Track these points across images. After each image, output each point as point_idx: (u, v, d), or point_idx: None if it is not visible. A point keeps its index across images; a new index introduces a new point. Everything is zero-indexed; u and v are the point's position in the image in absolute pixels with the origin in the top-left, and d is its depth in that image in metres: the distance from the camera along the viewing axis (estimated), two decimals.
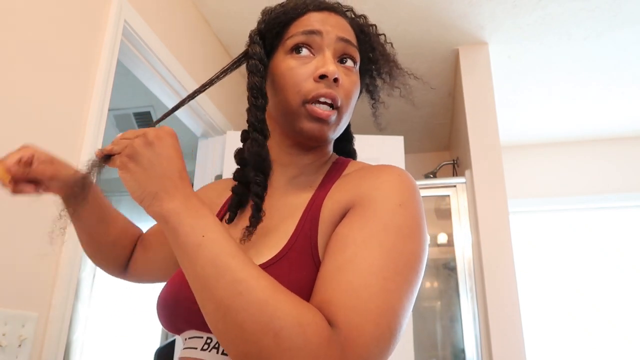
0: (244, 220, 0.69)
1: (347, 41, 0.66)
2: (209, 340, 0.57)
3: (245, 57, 0.70)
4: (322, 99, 0.63)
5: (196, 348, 0.58)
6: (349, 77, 0.66)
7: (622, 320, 2.94)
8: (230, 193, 0.75)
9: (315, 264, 0.56)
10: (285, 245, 0.58)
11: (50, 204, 1.23)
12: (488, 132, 2.20)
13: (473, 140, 2.20)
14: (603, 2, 2.03)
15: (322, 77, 0.63)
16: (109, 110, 1.80)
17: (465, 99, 2.29)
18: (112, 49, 1.47)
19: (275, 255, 0.57)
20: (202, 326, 0.57)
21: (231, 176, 0.77)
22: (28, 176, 0.70)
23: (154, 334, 3.03)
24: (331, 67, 0.62)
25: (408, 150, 2.35)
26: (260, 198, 0.63)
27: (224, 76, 0.69)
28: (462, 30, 2.25)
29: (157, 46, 1.75)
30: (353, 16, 0.73)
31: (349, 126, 0.80)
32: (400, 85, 0.76)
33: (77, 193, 0.64)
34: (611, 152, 3.25)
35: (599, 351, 2.92)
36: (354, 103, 0.69)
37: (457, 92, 2.54)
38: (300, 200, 0.65)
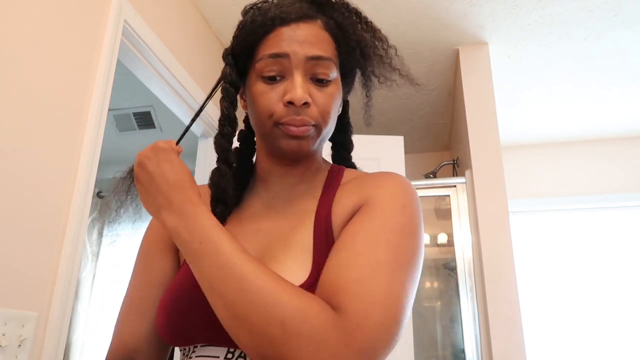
0: (231, 220, 0.70)
1: (317, 58, 0.64)
2: (231, 350, 0.57)
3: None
4: (292, 126, 0.62)
5: (218, 357, 0.57)
6: (323, 92, 0.64)
7: (622, 321, 2.94)
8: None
9: None
10: (313, 264, 0.59)
11: (50, 204, 1.23)
12: (488, 132, 2.20)
13: (473, 140, 2.20)
14: (603, 2, 2.03)
15: (290, 103, 0.62)
16: (109, 110, 1.80)
17: (465, 99, 2.29)
18: (112, 49, 1.47)
19: (310, 275, 0.58)
20: (220, 341, 0.57)
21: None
22: None
23: None
24: (298, 94, 0.61)
25: (408, 150, 2.35)
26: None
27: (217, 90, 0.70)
28: (462, 30, 2.25)
29: (157, 46, 1.75)
30: (331, 10, 0.69)
31: (345, 115, 0.78)
32: (387, 81, 0.74)
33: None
34: (611, 152, 3.25)
35: (598, 351, 2.92)
36: (334, 115, 0.67)
37: (457, 92, 2.54)
38: (306, 208, 0.67)
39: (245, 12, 0.72)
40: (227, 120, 0.66)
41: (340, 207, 0.63)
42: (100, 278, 3.29)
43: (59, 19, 1.29)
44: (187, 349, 0.61)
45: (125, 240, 3.27)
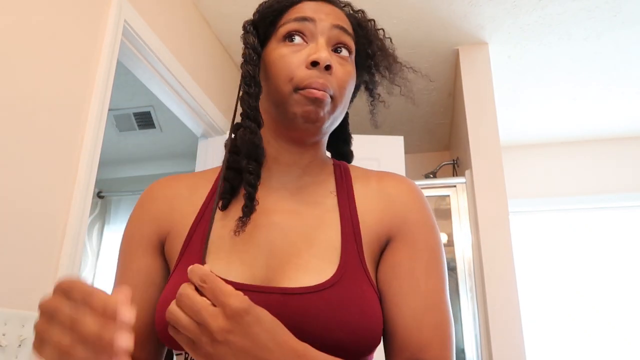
0: (235, 210, 0.64)
1: (342, 28, 0.64)
2: None
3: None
4: (313, 88, 0.60)
5: None
6: (344, 66, 0.64)
7: (622, 321, 2.94)
8: (204, 187, 0.69)
9: (368, 280, 0.59)
10: (341, 261, 0.58)
11: (50, 204, 1.23)
12: (488, 132, 2.20)
13: (473, 140, 2.20)
14: (603, 2, 2.03)
15: (314, 64, 0.60)
16: (109, 110, 1.80)
17: (465, 99, 2.29)
18: (112, 49, 1.47)
19: (337, 272, 0.57)
20: None
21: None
22: None
23: None
24: (323, 54, 0.60)
25: (408, 150, 2.35)
26: (253, 187, 0.60)
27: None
28: (462, 30, 2.25)
29: (157, 46, 1.75)
30: (351, 11, 0.71)
31: (346, 126, 0.78)
32: (400, 81, 0.74)
33: None
34: (611, 152, 3.25)
35: (598, 351, 2.92)
36: (348, 95, 0.66)
37: (457, 92, 2.54)
38: (324, 202, 0.65)
39: (261, 2, 0.71)
40: (252, 81, 0.63)
41: (366, 211, 0.64)
42: (100, 277, 3.29)
43: (59, 19, 1.29)
44: (187, 355, 0.58)
45: None
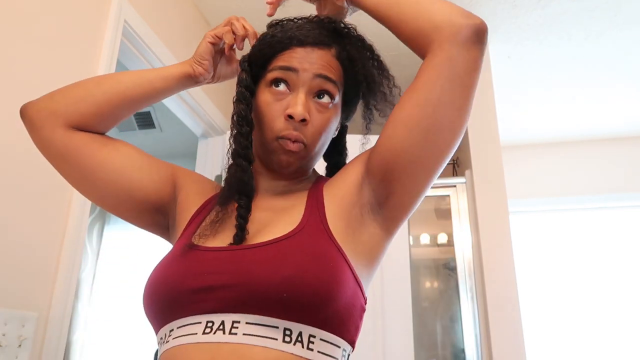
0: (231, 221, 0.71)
1: (324, 77, 0.70)
2: (210, 324, 0.58)
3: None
4: (288, 139, 0.68)
5: (196, 333, 0.59)
6: (322, 113, 0.70)
7: (622, 321, 2.94)
8: (212, 191, 0.79)
9: (329, 236, 0.64)
10: (300, 222, 0.66)
11: (50, 204, 1.23)
12: (488, 132, 2.20)
13: (473, 140, 2.20)
14: (603, 2, 2.03)
15: (291, 117, 0.67)
16: None
17: None
18: (112, 49, 1.47)
19: (294, 229, 0.65)
20: (199, 309, 0.60)
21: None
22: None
23: (154, 334, 3.02)
24: (299, 109, 0.67)
25: None
26: (244, 219, 0.66)
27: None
28: None
29: (157, 46, 1.75)
30: (347, 42, 0.75)
31: (342, 138, 0.84)
32: (386, 116, 0.79)
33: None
34: (611, 152, 3.25)
35: (598, 351, 2.92)
36: (325, 138, 0.73)
37: None
38: (298, 195, 0.73)
39: (269, 26, 0.78)
40: (244, 121, 0.70)
41: (331, 188, 0.71)
42: (100, 278, 3.29)
43: (59, 19, 1.29)
44: (164, 336, 0.63)
45: (125, 240, 3.27)
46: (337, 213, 0.68)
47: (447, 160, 0.68)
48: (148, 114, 2.90)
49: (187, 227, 0.73)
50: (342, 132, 0.84)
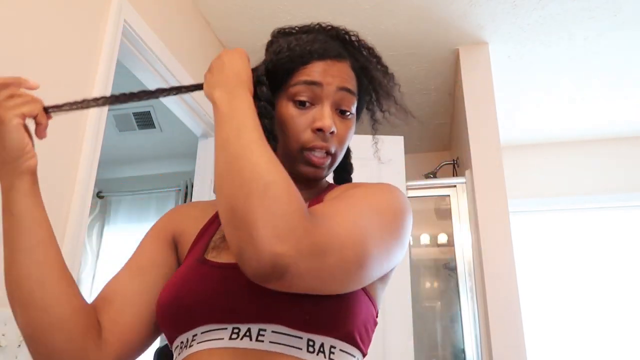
0: None
1: (346, 90, 0.72)
2: (236, 330, 0.59)
3: (256, 95, 0.73)
4: (317, 151, 0.71)
5: (222, 338, 0.60)
6: (344, 123, 0.74)
7: (622, 321, 2.95)
8: (212, 210, 0.80)
9: None
10: None
11: (50, 204, 1.23)
12: (488, 132, 2.20)
13: (473, 140, 2.20)
14: (603, 2, 2.03)
15: (319, 130, 0.70)
16: (109, 110, 1.80)
17: (465, 99, 2.29)
18: (112, 49, 1.47)
19: None
20: (225, 318, 0.60)
21: None
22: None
23: None
24: (327, 122, 0.69)
25: (408, 150, 2.35)
26: None
27: (175, 94, 0.74)
28: (462, 30, 2.25)
29: (157, 46, 1.75)
30: (358, 53, 0.78)
31: (348, 158, 0.86)
32: (390, 115, 0.83)
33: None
34: (612, 152, 3.25)
35: (598, 351, 2.92)
36: (348, 143, 0.76)
37: (457, 92, 2.54)
38: (310, 203, 0.74)
39: (277, 35, 0.80)
40: (270, 135, 0.69)
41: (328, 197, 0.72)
42: (100, 278, 3.29)
43: (59, 19, 1.29)
44: (185, 341, 0.62)
45: (125, 240, 3.27)
46: None
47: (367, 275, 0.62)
48: (148, 114, 2.91)
49: (194, 244, 0.74)
50: (348, 152, 0.86)
